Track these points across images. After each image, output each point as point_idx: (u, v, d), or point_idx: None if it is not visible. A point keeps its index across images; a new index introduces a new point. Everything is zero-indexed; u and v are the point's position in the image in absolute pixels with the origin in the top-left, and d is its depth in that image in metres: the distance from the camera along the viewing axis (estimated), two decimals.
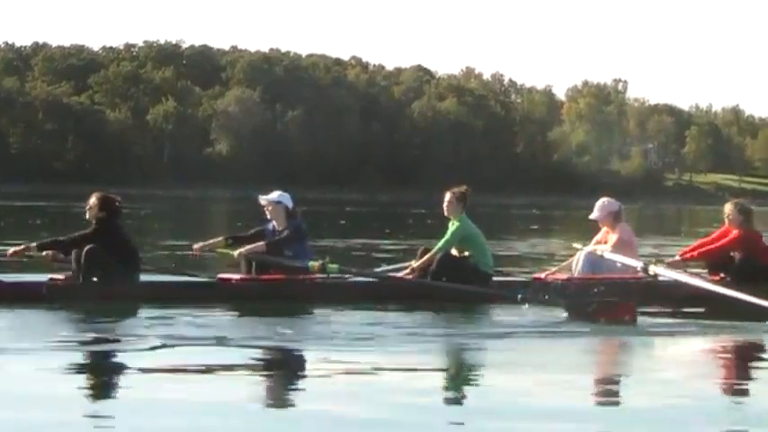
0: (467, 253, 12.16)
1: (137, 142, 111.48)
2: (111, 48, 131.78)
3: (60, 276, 11.34)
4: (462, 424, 6.51)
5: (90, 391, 7.37)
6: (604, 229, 12.68)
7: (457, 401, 7.44)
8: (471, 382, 8.11)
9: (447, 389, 7.82)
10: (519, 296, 11.21)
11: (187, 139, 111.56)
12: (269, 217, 12.15)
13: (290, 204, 12.08)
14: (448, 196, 12.23)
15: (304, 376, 8.28)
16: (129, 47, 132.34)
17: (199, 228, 32.76)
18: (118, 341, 9.18)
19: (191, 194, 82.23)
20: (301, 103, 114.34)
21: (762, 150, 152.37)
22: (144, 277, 11.74)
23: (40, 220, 34.27)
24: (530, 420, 6.52)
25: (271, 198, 12.07)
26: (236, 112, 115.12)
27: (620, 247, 12.36)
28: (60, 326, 9.82)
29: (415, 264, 12.15)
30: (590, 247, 12.62)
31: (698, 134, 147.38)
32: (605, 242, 12.56)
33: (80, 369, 8.10)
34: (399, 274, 12.32)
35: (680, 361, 9.07)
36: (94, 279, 11.22)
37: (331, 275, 11.74)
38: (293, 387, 7.76)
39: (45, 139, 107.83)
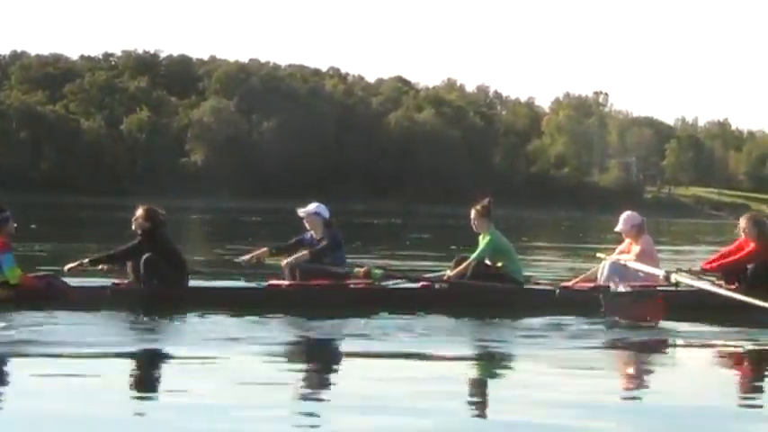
0: (499, 264, 12.83)
1: (111, 152, 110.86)
2: (89, 57, 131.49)
3: (124, 281, 12.24)
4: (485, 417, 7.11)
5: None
6: (627, 240, 13.51)
7: (481, 400, 7.83)
8: (498, 382, 8.68)
9: (473, 387, 8.29)
10: (557, 291, 12.41)
11: (162, 148, 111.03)
12: (307, 227, 12.91)
13: (326, 215, 12.87)
14: (472, 213, 12.87)
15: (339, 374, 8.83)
16: (107, 56, 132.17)
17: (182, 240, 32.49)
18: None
19: (161, 204, 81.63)
20: (277, 114, 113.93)
21: (745, 164, 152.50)
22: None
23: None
24: (548, 424, 6.76)
25: (309, 210, 12.88)
26: (212, 122, 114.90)
27: (642, 257, 13.15)
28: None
29: (450, 273, 12.80)
30: (614, 257, 13.40)
31: (678, 147, 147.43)
32: (628, 252, 13.38)
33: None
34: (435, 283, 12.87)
35: (700, 368, 9.36)
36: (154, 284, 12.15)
37: (376, 281, 12.57)
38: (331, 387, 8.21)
39: (19, 149, 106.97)
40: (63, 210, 59.04)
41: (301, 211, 12.89)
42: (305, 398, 7.68)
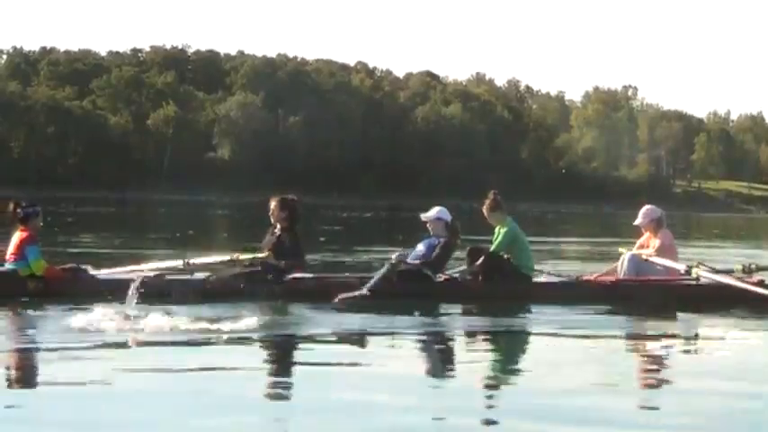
0: (506, 256, 12.75)
1: (137, 147, 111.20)
2: (117, 52, 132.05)
3: (150, 274, 11.92)
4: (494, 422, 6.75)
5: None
6: (647, 234, 13.49)
7: (489, 396, 7.52)
8: (506, 377, 8.35)
9: (480, 384, 7.90)
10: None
11: (188, 143, 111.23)
12: (431, 233, 12.84)
13: (447, 218, 12.83)
14: (484, 211, 12.91)
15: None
16: (135, 51, 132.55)
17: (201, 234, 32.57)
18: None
19: (187, 199, 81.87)
20: (304, 109, 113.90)
21: None
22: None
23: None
24: (563, 421, 6.56)
25: (429, 216, 12.85)
26: (238, 116, 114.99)
27: (662, 251, 13.13)
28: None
29: (467, 267, 12.77)
30: (634, 251, 13.37)
31: (707, 141, 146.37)
32: (647, 246, 13.37)
33: None
34: (456, 276, 12.90)
35: (721, 361, 9.17)
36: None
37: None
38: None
39: (46, 144, 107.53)
40: (86, 204, 59.18)
41: (423, 217, 12.93)
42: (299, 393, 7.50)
